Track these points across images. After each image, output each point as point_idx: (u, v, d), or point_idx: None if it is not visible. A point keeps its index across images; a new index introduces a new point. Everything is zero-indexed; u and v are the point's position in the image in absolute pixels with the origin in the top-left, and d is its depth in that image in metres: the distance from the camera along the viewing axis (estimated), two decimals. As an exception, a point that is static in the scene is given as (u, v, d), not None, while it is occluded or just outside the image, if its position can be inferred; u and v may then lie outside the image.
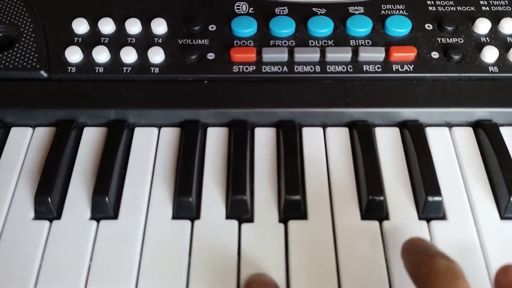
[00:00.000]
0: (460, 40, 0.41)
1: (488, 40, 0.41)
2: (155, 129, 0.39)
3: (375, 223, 0.34)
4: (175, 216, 0.34)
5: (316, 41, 0.41)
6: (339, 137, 0.38)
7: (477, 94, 0.38)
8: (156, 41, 0.42)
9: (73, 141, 0.38)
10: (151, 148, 0.38)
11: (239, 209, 0.34)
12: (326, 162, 0.37)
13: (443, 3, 0.44)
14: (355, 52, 0.40)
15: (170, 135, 0.39)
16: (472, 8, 0.43)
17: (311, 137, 0.38)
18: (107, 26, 0.42)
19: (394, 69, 0.40)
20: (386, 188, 0.35)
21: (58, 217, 0.34)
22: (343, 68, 0.40)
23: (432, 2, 0.44)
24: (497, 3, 0.44)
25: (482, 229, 0.33)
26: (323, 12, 0.43)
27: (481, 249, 0.32)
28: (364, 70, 0.40)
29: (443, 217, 0.34)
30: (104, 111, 0.39)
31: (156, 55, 0.40)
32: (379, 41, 0.41)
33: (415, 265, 0.27)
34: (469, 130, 0.39)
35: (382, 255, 0.32)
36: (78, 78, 0.40)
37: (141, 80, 0.40)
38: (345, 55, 0.40)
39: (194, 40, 0.42)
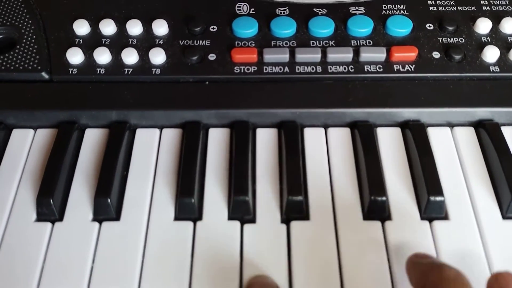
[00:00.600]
0: (461, 40, 0.41)
1: (489, 40, 0.41)
2: (157, 130, 0.39)
3: (377, 224, 0.34)
4: (177, 217, 0.34)
5: (317, 42, 0.41)
6: (340, 137, 0.38)
7: (478, 94, 0.38)
8: (157, 42, 0.42)
9: (75, 143, 0.38)
10: (153, 149, 0.38)
11: (241, 210, 0.34)
12: (328, 162, 0.37)
13: (444, 3, 0.44)
14: (356, 53, 0.40)
15: (171, 136, 0.39)
16: (473, 8, 0.44)
17: (312, 137, 0.38)
18: (108, 27, 0.42)
19: (395, 69, 0.40)
20: (388, 188, 0.35)
21: (60, 219, 0.34)
22: (345, 69, 0.40)
23: (433, 2, 0.44)
24: (498, 3, 0.44)
25: (484, 229, 0.33)
26: (324, 12, 0.43)
27: (483, 248, 0.32)
28: (366, 70, 0.40)
29: (445, 217, 0.34)
30: (106, 112, 0.39)
31: (157, 56, 0.40)
32: (380, 41, 0.41)
33: (423, 275, 0.27)
34: (471, 130, 0.39)
35: (384, 255, 0.32)
36: (80, 80, 0.40)
37: (142, 81, 0.40)
38: (346, 55, 0.40)
39: (195, 41, 0.42)
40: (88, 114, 0.39)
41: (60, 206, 0.35)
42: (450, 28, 0.42)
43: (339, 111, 0.38)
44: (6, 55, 0.40)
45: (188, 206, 0.34)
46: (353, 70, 0.40)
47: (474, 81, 0.39)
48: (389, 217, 0.34)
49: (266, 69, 0.40)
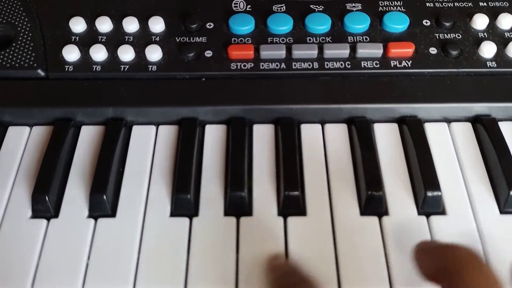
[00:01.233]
0: (458, 36, 0.41)
1: (486, 36, 0.41)
2: (153, 127, 0.39)
3: (375, 219, 0.34)
4: (173, 214, 0.34)
5: (314, 38, 0.41)
6: (337, 133, 0.38)
7: (475, 89, 0.38)
8: (153, 39, 0.41)
9: (71, 140, 0.38)
10: (149, 146, 0.38)
11: (238, 206, 0.34)
12: (324, 158, 0.37)
13: (440, -1, 0.44)
14: (353, 49, 0.40)
15: (168, 132, 0.39)
16: (470, 4, 0.43)
17: (309, 133, 0.38)
18: (104, 24, 0.42)
19: (392, 65, 0.40)
20: (385, 183, 0.35)
21: (56, 215, 0.34)
22: (341, 65, 0.40)
23: (430, -2, 0.44)
24: (495, -1, 0.44)
25: (481, 224, 0.33)
26: (321, 9, 0.43)
27: (481, 243, 0.32)
28: (362, 66, 0.40)
29: (442, 212, 0.34)
30: (102, 109, 0.38)
31: (154, 53, 0.40)
32: (377, 37, 0.41)
33: (438, 258, 0.27)
34: (468, 125, 0.39)
35: (381, 250, 0.32)
36: (76, 77, 0.40)
37: (138, 78, 0.40)
38: (343, 51, 0.40)
39: (191, 38, 0.41)
40: (84, 111, 0.39)
41: (55, 202, 0.35)
42: (447, 24, 0.42)
43: (336, 107, 0.38)
44: (2, 52, 0.40)
45: (185, 202, 0.34)
46: (350, 66, 0.40)
47: (471, 76, 0.39)
48: (386, 212, 0.34)
49: (262, 66, 0.40)
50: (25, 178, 0.36)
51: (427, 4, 0.43)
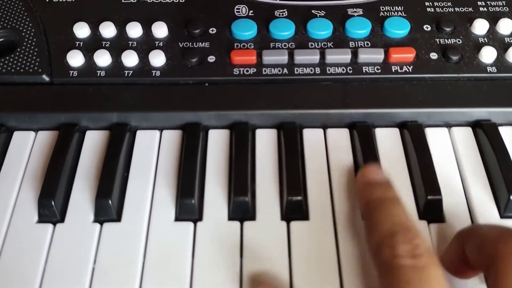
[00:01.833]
0: (458, 41, 0.42)
1: (486, 41, 0.42)
2: (157, 132, 0.39)
3: (376, 223, 0.34)
4: (177, 218, 0.35)
5: (316, 43, 0.42)
6: (339, 138, 0.39)
7: (475, 94, 0.39)
8: (157, 45, 0.42)
9: (76, 145, 0.39)
10: (153, 150, 0.38)
11: (241, 210, 0.34)
12: (326, 162, 0.37)
13: (441, 4, 0.44)
14: (355, 54, 0.41)
15: (171, 137, 0.39)
16: (470, 9, 0.44)
17: (311, 138, 0.39)
18: (108, 30, 0.42)
19: (393, 70, 0.40)
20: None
21: (62, 220, 0.35)
22: (343, 70, 0.40)
23: (430, 3, 0.44)
24: (495, 4, 0.44)
25: (482, 228, 0.33)
26: (323, 14, 0.43)
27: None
28: (364, 71, 0.40)
29: (442, 217, 0.34)
30: (106, 114, 0.39)
31: (157, 58, 0.40)
32: (378, 42, 0.42)
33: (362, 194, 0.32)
34: (468, 130, 0.39)
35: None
36: (80, 82, 0.40)
37: (142, 83, 0.40)
38: (344, 56, 0.40)
39: (194, 43, 0.42)
40: (88, 116, 0.39)
41: (61, 207, 0.35)
42: (448, 29, 0.42)
43: (337, 112, 0.39)
44: (7, 58, 0.41)
45: (189, 207, 0.34)
46: (351, 71, 0.40)
47: (472, 81, 0.40)
48: (387, 217, 0.34)
49: (265, 71, 0.40)
50: (31, 183, 0.37)
51: (428, 10, 0.44)
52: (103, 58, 0.40)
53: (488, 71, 0.40)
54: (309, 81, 0.40)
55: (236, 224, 0.34)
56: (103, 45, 0.42)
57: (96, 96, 0.39)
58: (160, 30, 0.42)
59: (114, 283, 0.32)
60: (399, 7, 0.44)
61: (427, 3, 0.44)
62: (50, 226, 0.34)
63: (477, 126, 0.39)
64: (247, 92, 0.39)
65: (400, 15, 0.43)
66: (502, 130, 0.38)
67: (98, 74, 0.40)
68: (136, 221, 0.34)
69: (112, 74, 0.40)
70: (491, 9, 0.44)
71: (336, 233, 0.33)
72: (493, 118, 0.39)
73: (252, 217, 0.34)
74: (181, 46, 0.42)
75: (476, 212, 0.34)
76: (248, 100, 0.39)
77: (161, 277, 0.32)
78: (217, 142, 0.39)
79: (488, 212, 0.34)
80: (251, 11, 0.44)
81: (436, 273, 0.25)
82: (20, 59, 0.41)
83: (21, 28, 0.43)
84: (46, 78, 0.40)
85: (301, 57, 0.40)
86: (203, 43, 0.42)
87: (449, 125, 0.39)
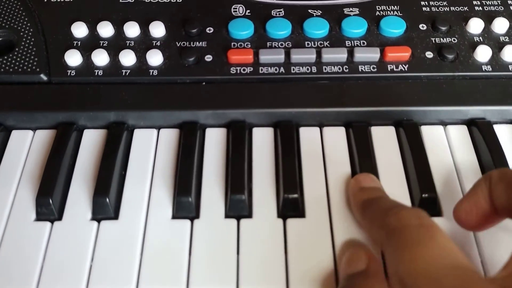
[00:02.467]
0: (454, 40, 0.42)
1: (481, 40, 0.42)
2: (154, 131, 0.40)
3: (372, 221, 0.34)
4: (175, 216, 0.35)
5: (312, 42, 0.42)
6: (335, 136, 0.39)
7: (470, 93, 0.39)
8: (154, 44, 0.42)
9: (74, 143, 0.39)
10: (151, 149, 0.38)
11: (238, 208, 0.35)
12: (323, 161, 0.37)
13: (436, 3, 0.45)
14: (351, 53, 0.41)
15: (169, 136, 0.39)
16: (465, 8, 0.44)
17: (308, 136, 0.39)
18: (105, 29, 0.42)
19: (389, 69, 0.40)
20: (382, 185, 0.36)
21: (59, 218, 0.35)
22: (339, 69, 0.40)
23: (426, 2, 0.45)
24: (490, 3, 0.45)
25: (476, 225, 0.34)
26: (319, 13, 0.44)
27: (476, 244, 0.33)
28: (360, 70, 0.40)
29: (438, 214, 0.35)
30: (104, 113, 0.39)
31: (155, 58, 0.40)
32: (374, 41, 0.42)
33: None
34: (463, 128, 0.39)
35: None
36: (78, 81, 0.40)
37: (140, 83, 0.40)
38: (340, 55, 0.41)
39: (192, 43, 0.42)
40: (86, 115, 0.39)
41: (59, 205, 0.35)
42: (443, 28, 0.42)
43: (334, 111, 0.39)
44: (5, 57, 0.41)
45: (186, 205, 0.35)
46: (347, 70, 0.40)
47: (467, 80, 0.40)
48: (383, 214, 0.35)
49: (262, 70, 0.40)
50: (29, 181, 0.37)
51: (424, 9, 0.44)
52: (100, 58, 0.41)
53: (483, 69, 0.40)
54: (306, 80, 0.40)
55: (233, 221, 0.34)
56: (101, 44, 0.42)
57: (94, 95, 0.40)
58: (158, 29, 0.42)
59: (112, 280, 0.32)
60: (395, 6, 0.44)
61: (422, 3, 0.45)
62: (48, 224, 0.34)
63: (472, 124, 0.39)
64: (244, 91, 0.40)
65: (396, 15, 0.44)
66: (497, 128, 0.39)
67: (96, 74, 0.40)
68: (133, 219, 0.35)
69: (110, 73, 0.41)
70: (486, 8, 0.44)
71: (332, 230, 0.34)
72: (488, 116, 0.39)
73: (248, 214, 0.35)
74: (178, 45, 0.42)
75: (471, 209, 0.35)
76: (245, 99, 0.39)
77: (159, 275, 0.32)
78: (214, 141, 0.39)
79: (482, 209, 0.35)
80: (248, 11, 0.44)
81: (442, 233, 0.26)
82: (18, 59, 0.41)
83: (19, 27, 0.43)
84: (44, 77, 0.40)
85: (297, 56, 0.41)
86: (200, 43, 0.42)
87: (444, 123, 0.40)
